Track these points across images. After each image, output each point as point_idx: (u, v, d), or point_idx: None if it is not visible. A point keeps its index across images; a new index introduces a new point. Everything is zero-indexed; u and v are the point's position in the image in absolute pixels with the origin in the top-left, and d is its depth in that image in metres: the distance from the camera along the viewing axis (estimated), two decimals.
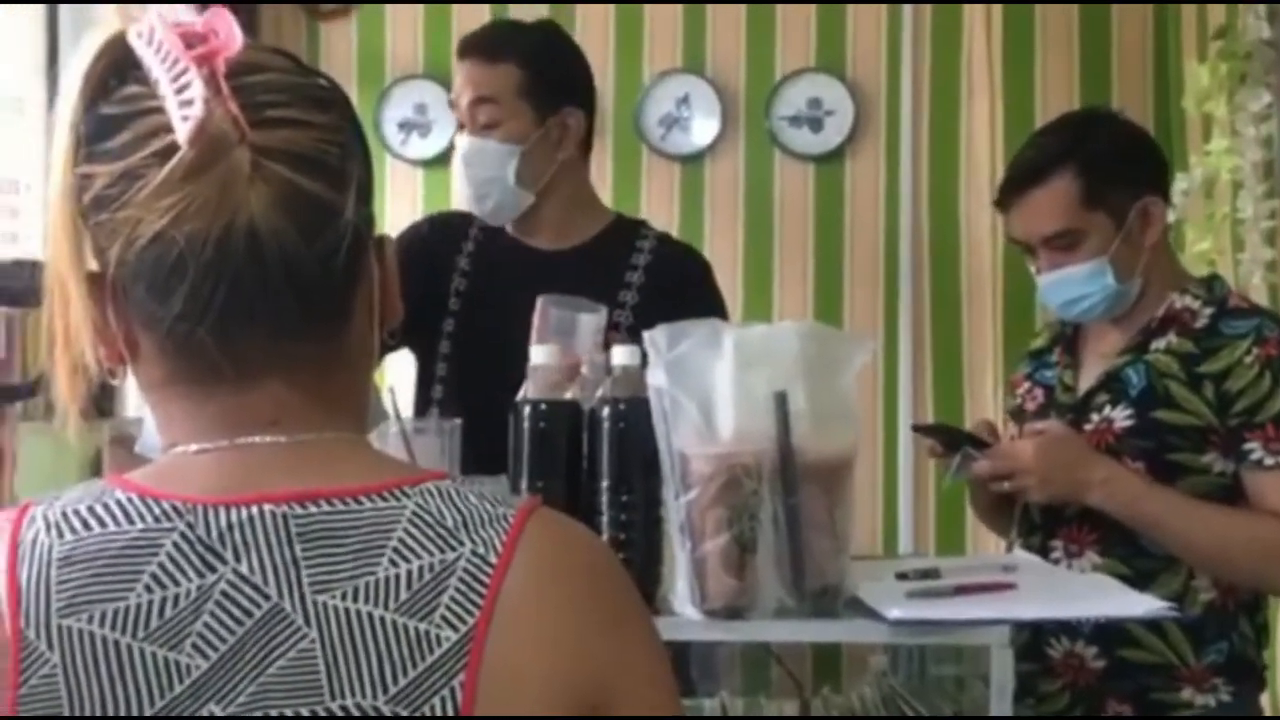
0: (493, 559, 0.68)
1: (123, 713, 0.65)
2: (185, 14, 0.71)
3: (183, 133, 0.66)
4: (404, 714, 0.65)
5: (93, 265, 0.71)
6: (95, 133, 0.69)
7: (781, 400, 1.21)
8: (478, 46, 1.83)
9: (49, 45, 2.28)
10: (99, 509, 0.68)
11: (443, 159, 2.98)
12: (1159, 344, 1.68)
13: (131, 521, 0.68)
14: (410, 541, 0.68)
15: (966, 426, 1.94)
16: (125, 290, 0.70)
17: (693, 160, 3.02)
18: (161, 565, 0.66)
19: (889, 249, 3.01)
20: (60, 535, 0.67)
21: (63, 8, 2.30)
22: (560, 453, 1.27)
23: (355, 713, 0.65)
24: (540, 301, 1.50)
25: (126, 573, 0.66)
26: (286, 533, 0.67)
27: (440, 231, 1.92)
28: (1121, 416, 1.66)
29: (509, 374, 1.36)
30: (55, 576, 0.66)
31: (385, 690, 0.65)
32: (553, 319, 1.48)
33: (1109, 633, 1.61)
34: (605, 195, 2.79)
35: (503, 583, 0.68)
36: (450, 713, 0.65)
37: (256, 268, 0.68)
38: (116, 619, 0.65)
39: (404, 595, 0.67)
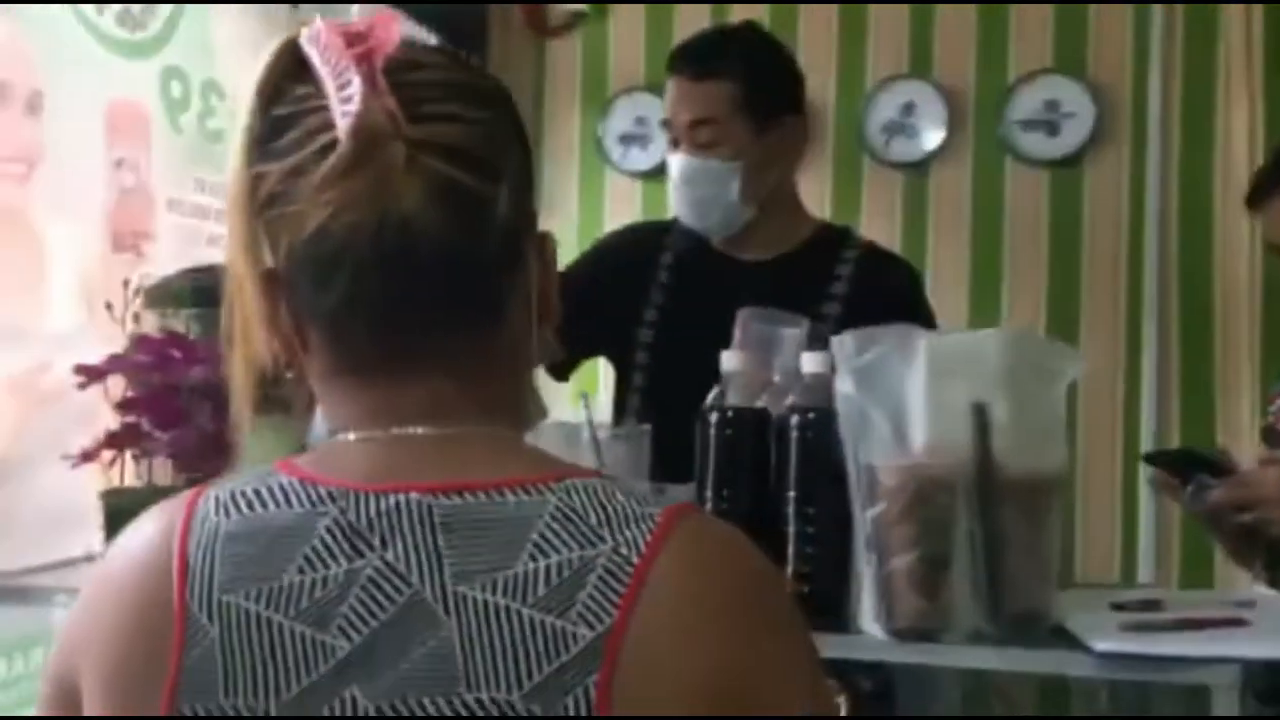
0: (635, 558, 0.67)
1: (272, 688, 0.67)
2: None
3: (342, 128, 0.68)
4: (538, 711, 0.64)
5: (268, 262, 0.74)
6: (268, 133, 0.72)
7: (980, 411, 1.14)
8: (688, 62, 1.80)
9: None
10: (263, 491, 0.71)
11: (661, 170, 3.00)
12: None
13: (290, 505, 0.70)
14: (550, 536, 0.67)
15: (1217, 449, 1.79)
16: (294, 284, 0.73)
17: (917, 168, 2.93)
18: (314, 548, 0.68)
19: (1132, 261, 2.83)
20: (227, 515, 0.71)
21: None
22: (746, 461, 1.24)
23: (490, 706, 0.65)
24: (741, 315, 1.47)
25: (282, 553, 0.69)
26: (430, 522, 0.68)
27: (638, 241, 1.92)
28: None
29: (707, 385, 1.33)
30: (219, 553, 0.69)
31: (520, 686, 0.65)
32: (754, 333, 1.45)
33: None
34: (824, 206, 2.74)
35: (644, 582, 0.66)
36: (584, 712, 0.64)
37: (410, 259, 0.70)
38: (271, 597, 0.68)
39: (542, 590, 0.66)
